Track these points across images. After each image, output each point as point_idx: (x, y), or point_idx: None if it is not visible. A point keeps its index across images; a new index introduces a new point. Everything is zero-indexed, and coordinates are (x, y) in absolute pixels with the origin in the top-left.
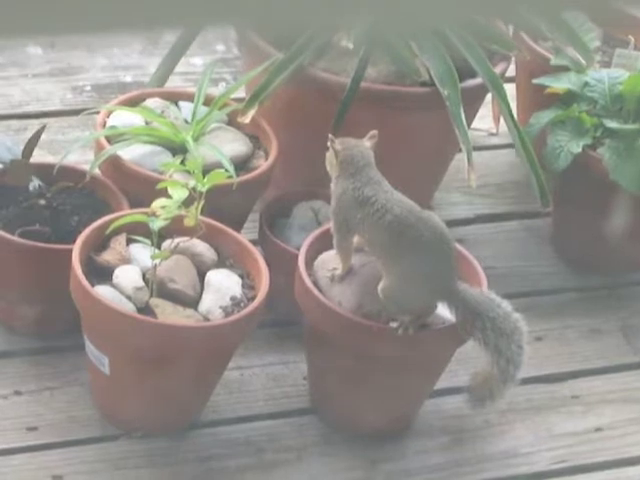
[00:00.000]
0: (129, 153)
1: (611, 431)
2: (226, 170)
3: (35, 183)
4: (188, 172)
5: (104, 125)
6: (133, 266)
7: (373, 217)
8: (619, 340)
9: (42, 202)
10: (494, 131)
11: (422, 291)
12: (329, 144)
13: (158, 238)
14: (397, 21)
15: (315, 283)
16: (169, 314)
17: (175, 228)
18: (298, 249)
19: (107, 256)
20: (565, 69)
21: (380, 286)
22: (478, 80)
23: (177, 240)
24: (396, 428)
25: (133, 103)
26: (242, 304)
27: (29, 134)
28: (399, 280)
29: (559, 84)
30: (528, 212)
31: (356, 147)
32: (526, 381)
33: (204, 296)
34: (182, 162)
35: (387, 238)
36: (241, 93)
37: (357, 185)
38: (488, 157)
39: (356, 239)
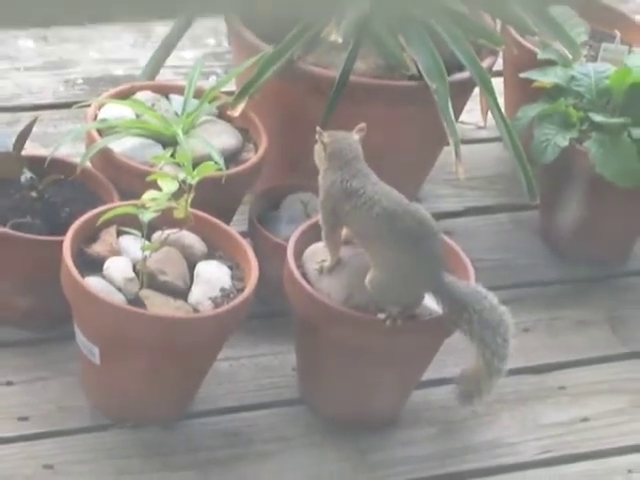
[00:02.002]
0: (120, 146)
1: (597, 421)
2: (216, 163)
3: (27, 175)
4: (178, 165)
5: (95, 118)
6: (123, 258)
7: (361, 209)
8: (606, 331)
9: (33, 194)
10: (482, 124)
11: (409, 283)
12: (317, 137)
13: (148, 230)
14: None
15: (304, 275)
16: (159, 305)
17: (165, 220)
18: (287, 241)
19: (98, 248)
20: (552, 63)
21: (367, 278)
22: (466, 74)
23: (167, 232)
24: (384, 419)
25: (124, 96)
26: (231, 295)
27: (21, 127)
28: (386, 271)
29: (546, 78)
30: (516, 205)
31: (344, 140)
32: (513, 372)
33: (194, 287)
34: (172, 155)
35: (375, 230)
36: (232, 86)
37: (345, 177)
38: (476, 150)
39: (344, 231)
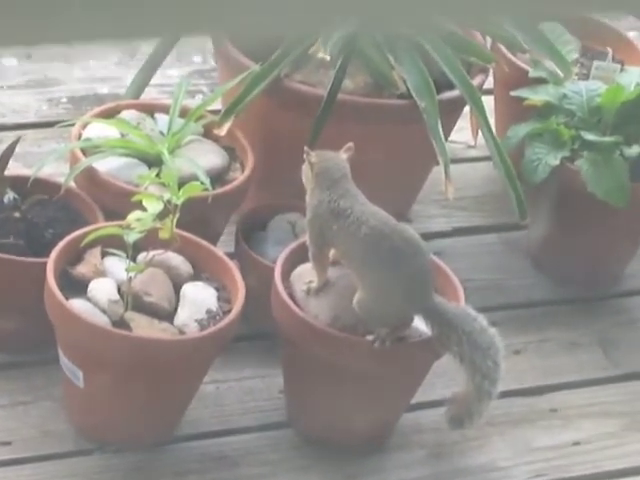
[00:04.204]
0: (104, 165)
1: (589, 445)
2: (202, 183)
3: (10, 195)
4: (164, 184)
5: (79, 137)
6: (108, 279)
7: (349, 229)
8: (597, 353)
9: (17, 215)
10: (472, 143)
11: (397, 303)
12: (305, 156)
13: (133, 251)
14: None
15: (291, 296)
16: (144, 327)
17: (150, 241)
18: (274, 262)
19: (82, 269)
20: (543, 81)
21: (355, 298)
22: (456, 92)
23: (152, 253)
24: (373, 442)
25: (109, 115)
26: (218, 317)
27: (4, 146)
28: (374, 292)
29: (537, 96)
30: (506, 225)
31: (332, 159)
32: (504, 394)
33: (179, 309)
34: (158, 174)
35: (362, 250)
36: (218, 105)
37: (333, 197)
38: (466, 170)
39: (332, 252)
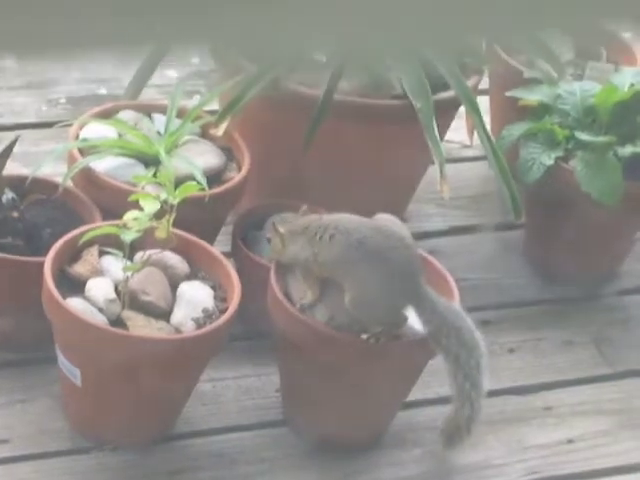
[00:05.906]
0: (102, 165)
1: (583, 443)
2: (198, 182)
3: (8, 195)
4: (160, 184)
5: (77, 137)
6: (105, 278)
7: (315, 238)
8: (592, 352)
9: (15, 214)
10: (468, 143)
11: (385, 295)
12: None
13: (130, 250)
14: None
15: (287, 295)
16: (141, 326)
17: (147, 240)
18: (271, 261)
19: (79, 268)
20: (538, 82)
21: (346, 299)
22: (451, 93)
23: (149, 252)
24: (368, 440)
25: (107, 115)
26: (214, 316)
27: (3, 147)
28: (361, 288)
29: (532, 96)
30: (501, 224)
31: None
32: (499, 393)
33: (176, 308)
34: (155, 174)
35: (335, 252)
36: (215, 105)
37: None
38: (462, 169)
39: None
